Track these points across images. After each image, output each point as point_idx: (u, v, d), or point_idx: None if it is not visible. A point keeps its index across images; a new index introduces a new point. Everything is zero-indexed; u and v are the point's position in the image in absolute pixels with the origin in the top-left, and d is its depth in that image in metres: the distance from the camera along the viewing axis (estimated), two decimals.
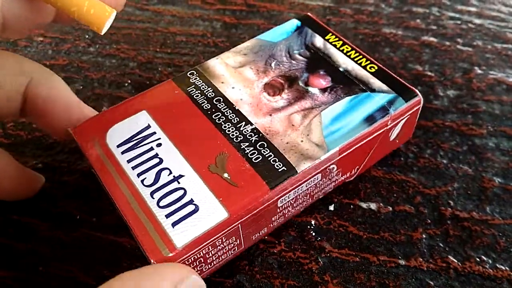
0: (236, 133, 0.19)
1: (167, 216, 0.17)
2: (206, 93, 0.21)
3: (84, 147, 0.19)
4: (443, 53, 0.28)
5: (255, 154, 0.18)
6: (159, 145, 0.19)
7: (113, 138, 0.19)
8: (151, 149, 0.19)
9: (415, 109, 0.21)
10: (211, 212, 0.17)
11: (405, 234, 0.20)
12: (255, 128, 0.19)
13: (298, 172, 0.18)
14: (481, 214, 0.21)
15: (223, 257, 0.18)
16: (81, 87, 0.26)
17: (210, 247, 0.17)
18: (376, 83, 0.21)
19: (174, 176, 0.18)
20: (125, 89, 0.26)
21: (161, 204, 0.17)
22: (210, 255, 0.17)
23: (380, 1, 0.31)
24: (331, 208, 0.21)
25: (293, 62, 0.22)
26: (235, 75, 0.21)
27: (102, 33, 0.15)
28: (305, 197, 0.19)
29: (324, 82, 0.21)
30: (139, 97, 0.21)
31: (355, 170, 0.21)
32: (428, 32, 0.29)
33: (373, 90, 0.21)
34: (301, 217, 0.21)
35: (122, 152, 0.19)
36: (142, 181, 0.18)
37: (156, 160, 0.18)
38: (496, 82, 0.26)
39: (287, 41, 0.23)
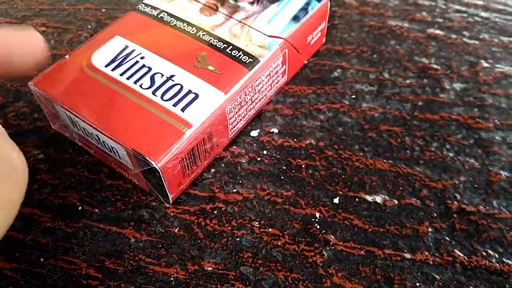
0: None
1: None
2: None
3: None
4: (449, 46, 0.27)
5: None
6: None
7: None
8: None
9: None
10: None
11: (411, 227, 0.20)
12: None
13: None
14: (488, 208, 0.20)
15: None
16: None
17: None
18: None
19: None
20: None
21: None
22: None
23: None
24: (336, 201, 0.21)
25: None
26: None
27: None
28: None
29: None
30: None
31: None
32: (434, 25, 0.29)
33: None
34: (305, 209, 0.20)
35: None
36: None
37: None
38: (503, 76, 0.26)
39: None
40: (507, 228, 0.20)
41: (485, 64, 0.26)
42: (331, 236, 0.20)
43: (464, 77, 0.26)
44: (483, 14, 0.30)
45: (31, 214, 0.21)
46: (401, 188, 0.21)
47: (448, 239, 0.19)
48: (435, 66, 0.26)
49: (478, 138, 0.23)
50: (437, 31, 0.28)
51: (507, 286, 0.18)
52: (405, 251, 0.19)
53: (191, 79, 0.21)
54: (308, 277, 0.18)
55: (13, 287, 0.18)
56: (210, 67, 0.21)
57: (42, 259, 0.19)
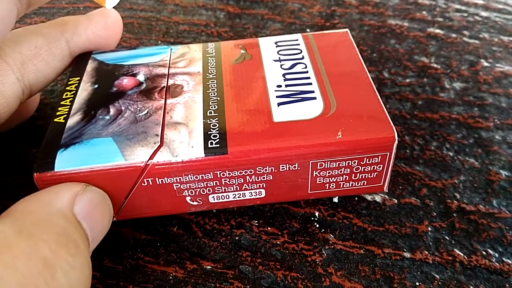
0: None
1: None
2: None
3: None
4: (449, 45, 0.27)
5: None
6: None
7: None
8: None
9: None
10: None
11: (411, 226, 0.20)
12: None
13: None
14: (487, 207, 0.20)
15: None
16: None
17: None
18: None
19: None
20: None
21: None
22: None
23: None
24: (335, 200, 0.21)
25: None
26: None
27: (107, 7, 0.15)
28: None
29: None
30: None
31: None
32: (434, 24, 0.29)
33: None
34: (304, 208, 0.20)
35: None
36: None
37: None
38: (503, 75, 0.26)
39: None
40: (507, 228, 0.20)
41: (485, 64, 0.26)
42: (330, 235, 0.20)
43: (464, 77, 0.26)
44: (483, 13, 0.30)
45: None
46: (400, 187, 0.21)
47: (447, 238, 0.19)
48: (435, 65, 0.26)
49: (478, 137, 0.23)
50: (437, 30, 0.28)
51: (507, 285, 0.18)
52: (405, 250, 0.19)
53: None
54: (307, 276, 0.18)
55: None
56: None
57: None
